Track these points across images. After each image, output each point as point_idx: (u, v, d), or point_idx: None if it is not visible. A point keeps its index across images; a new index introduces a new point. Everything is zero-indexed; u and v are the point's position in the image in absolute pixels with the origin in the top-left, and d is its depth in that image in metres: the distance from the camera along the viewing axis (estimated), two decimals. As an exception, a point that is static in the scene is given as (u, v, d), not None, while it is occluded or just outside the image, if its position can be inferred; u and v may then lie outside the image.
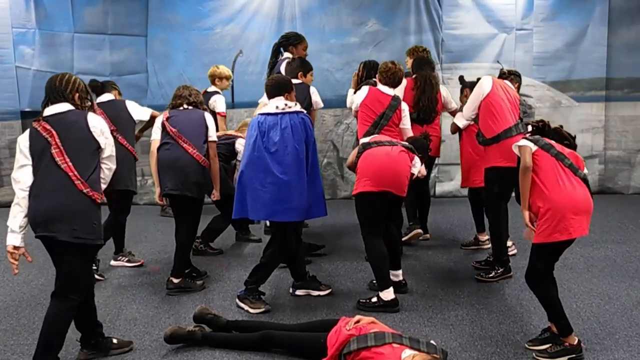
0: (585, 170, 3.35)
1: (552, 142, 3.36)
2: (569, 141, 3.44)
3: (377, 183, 3.98)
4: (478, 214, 5.30)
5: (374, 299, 4.05)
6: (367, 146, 4.14)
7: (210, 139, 4.52)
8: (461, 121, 4.86)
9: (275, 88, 4.06)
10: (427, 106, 5.29)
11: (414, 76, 5.32)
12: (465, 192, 6.19)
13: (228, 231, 5.72)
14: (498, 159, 4.38)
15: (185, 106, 4.54)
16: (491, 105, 4.43)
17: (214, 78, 5.92)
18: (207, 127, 4.50)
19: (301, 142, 3.94)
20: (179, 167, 4.35)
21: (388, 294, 4.01)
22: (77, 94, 3.17)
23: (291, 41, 5.38)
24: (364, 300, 4.08)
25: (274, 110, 3.99)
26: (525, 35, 7.39)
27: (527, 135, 3.51)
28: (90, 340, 3.36)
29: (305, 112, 4.11)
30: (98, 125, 3.13)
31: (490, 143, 4.45)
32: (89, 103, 3.28)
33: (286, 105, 3.98)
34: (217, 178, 4.63)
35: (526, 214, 3.33)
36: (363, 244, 4.23)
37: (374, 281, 4.31)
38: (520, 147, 3.38)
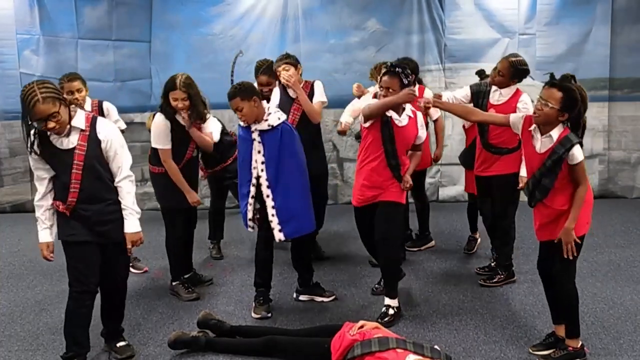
0: None
1: None
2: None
3: None
4: (474, 216, 5.36)
5: (392, 312, 3.91)
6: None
7: (152, 145, 4.20)
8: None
9: None
10: None
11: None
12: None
13: (231, 236, 5.72)
14: (518, 165, 4.28)
15: None
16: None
17: None
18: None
19: None
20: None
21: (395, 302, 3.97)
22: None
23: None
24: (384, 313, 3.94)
25: None
26: (528, 40, 7.36)
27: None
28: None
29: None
30: None
31: (514, 151, 4.36)
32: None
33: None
34: (180, 183, 4.21)
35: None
36: (365, 249, 4.26)
37: (376, 286, 4.36)
38: (580, 165, 3.09)
